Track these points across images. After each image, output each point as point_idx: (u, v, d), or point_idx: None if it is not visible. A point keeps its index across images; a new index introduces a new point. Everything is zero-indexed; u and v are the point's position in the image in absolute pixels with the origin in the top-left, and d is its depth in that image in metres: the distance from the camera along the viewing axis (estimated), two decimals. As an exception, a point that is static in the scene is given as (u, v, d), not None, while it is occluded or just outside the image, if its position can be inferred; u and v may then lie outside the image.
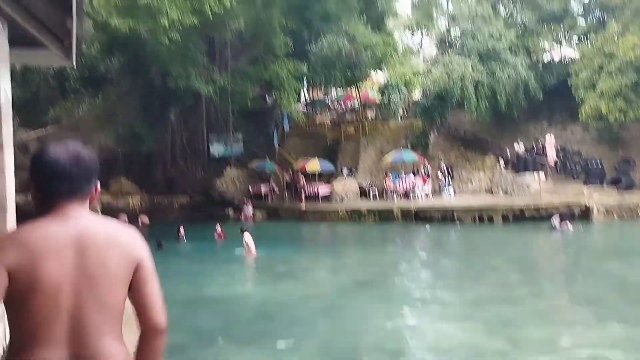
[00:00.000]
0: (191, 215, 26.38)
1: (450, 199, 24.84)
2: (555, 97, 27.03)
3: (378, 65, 30.33)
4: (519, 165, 25.61)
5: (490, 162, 27.27)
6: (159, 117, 28.10)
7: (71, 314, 1.72)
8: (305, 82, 32.81)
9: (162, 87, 26.69)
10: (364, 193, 26.67)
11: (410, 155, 26.28)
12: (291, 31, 27.83)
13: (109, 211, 24.00)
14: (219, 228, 19.05)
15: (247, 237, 15.75)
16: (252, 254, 15.48)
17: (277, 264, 14.90)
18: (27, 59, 7.14)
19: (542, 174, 23.91)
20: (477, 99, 25.98)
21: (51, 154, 1.82)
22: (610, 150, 26.08)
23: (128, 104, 28.65)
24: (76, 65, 6.94)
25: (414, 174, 26.21)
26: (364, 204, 25.08)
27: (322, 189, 26.41)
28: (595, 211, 21.17)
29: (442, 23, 32.54)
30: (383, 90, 30.09)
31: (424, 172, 26.39)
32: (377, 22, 31.52)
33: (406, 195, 25.27)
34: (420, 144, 28.25)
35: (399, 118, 31.29)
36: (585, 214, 21.06)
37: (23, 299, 1.69)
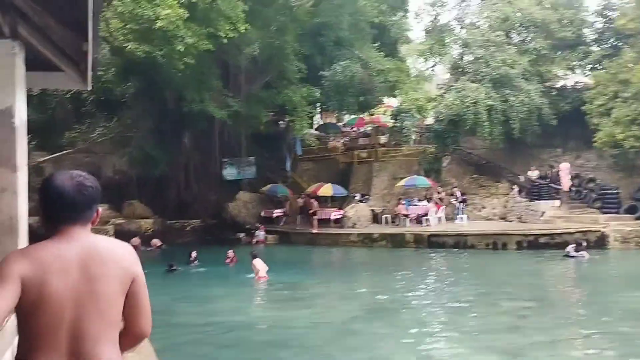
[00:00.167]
0: (203, 238, 26.37)
1: (463, 225, 24.63)
2: (570, 123, 26.88)
3: (391, 91, 30.46)
4: (533, 192, 25.41)
5: (503, 188, 27.08)
6: (173, 140, 28.31)
7: (73, 323, 1.94)
8: (318, 107, 33.03)
9: (177, 111, 26.94)
10: (376, 218, 26.54)
11: (423, 181, 26.20)
12: (305, 56, 28.08)
13: (121, 234, 24.09)
14: (231, 253, 18.98)
15: (257, 263, 15.68)
16: (261, 279, 15.40)
17: (288, 289, 14.79)
18: (43, 83, 7.24)
19: (556, 201, 23.69)
20: (491, 125, 25.91)
21: (57, 183, 2.04)
22: (626, 177, 25.76)
23: (142, 127, 28.91)
24: (92, 89, 7.01)
25: (427, 200, 26.09)
26: (376, 229, 24.95)
27: (334, 214, 26.34)
28: (611, 239, 20.89)
29: (455, 49, 32.66)
30: (396, 115, 30.15)
31: (437, 198, 26.26)
32: (390, 48, 31.78)
33: (419, 220, 25.13)
34: (433, 170, 28.15)
35: (412, 143, 31.27)
36: (601, 242, 20.79)
37: (31, 308, 1.91)
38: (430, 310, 12.19)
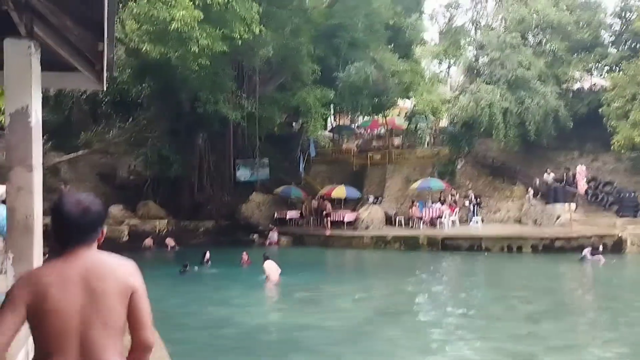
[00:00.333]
0: (216, 239, 26.42)
1: (477, 228, 24.45)
2: (586, 126, 26.61)
3: (405, 92, 30.33)
4: (549, 195, 25.17)
5: (519, 191, 26.86)
6: (187, 141, 28.41)
7: (80, 333, 2.17)
8: (332, 109, 32.96)
9: (191, 112, 27.02)
10: (389, 220, 26.44)
11: (437, 183, 26.06)
12: (319, 58, 28.04)
13: (135, 234, 24.23)
14: (245, 256, 18.96)
15: (269, 265, 15.66)
16: (273, 280, 15.38)
17: (302, 291, 14.75)
18: (59, 83, 7.28)
19: (572, 204, 23.43)
20: (506, 127, 25.71)
21: (65, 208, 2.27)
22: (644, 180, 25.49)
23: (157, 128, 29.04)
24: (108, 90, 7.04)
25: (441, 202, 25.94)
26: (390, 232, 24.84)
27: (348, 216, 26.28)
28: (628, 243, 20.62)
29: (470, 51, 32.49)
30: (410, 117, 30.03)
31: (451, 201, 26.11)
32: (405, 50, 31.62)
33: (432, 223, 24.99)
34: (447, 172, 27.99)
35: (426, 145, 31.13)
36: (617, 246, 20.53)
37: (40, 322, 2.17)
38: (445, 314, 12.08)
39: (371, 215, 25.95)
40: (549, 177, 25.96)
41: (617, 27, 29.23)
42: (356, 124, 40.65)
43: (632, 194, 24.21)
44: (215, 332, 10.54)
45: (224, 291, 14.85)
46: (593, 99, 27.36)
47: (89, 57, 5.26)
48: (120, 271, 2.28)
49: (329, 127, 38.59)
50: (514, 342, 9.49)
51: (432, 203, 26.08)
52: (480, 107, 25.54)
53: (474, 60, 30.60)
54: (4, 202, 5.94)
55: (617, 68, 27.36)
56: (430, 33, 53.59)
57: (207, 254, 18.96)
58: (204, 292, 14.73)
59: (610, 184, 25.44)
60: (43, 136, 5.23)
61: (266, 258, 16.10)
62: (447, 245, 22.35)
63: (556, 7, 28.81)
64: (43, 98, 5.20)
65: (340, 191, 26.81)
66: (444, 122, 31.79)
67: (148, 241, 23.88)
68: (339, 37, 28.46)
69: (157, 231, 25.42)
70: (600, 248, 18.93)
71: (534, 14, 29.00)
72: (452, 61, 35.37)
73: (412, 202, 26.27)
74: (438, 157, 29.15)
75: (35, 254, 4.46)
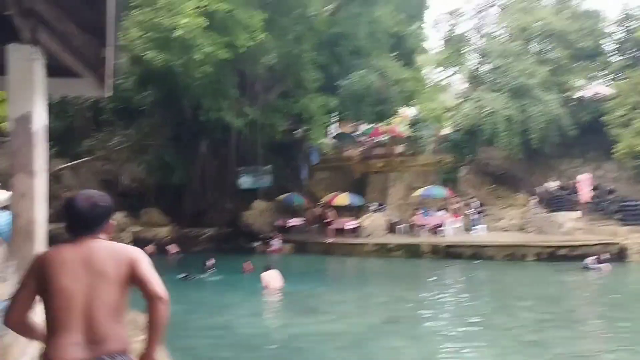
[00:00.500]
0: (218, 246, 26.39)
1: (480, 236, 24.36)
2: (589, 134, 26.57)
3: (408, 100, 30.34)
4: (552, 203, 25.09)
5: (522, 199, 26.80)
6: (190, 148, 28.45)
7: (83, 309, 2.49)
8: (334, 116, 32.96)
9: (194, 120, 27.07)
10: (392, 228, 26.37)
11: (440, 191, 26.02)
12: (322, 66, 28.08)
13: (138, 242, 24.17)
14: (248, 265, 18.89)
15: (269, 274, 15.57)
16: (272, 289, 15.30)
17: (304, 299, 14.68)
18: (63, 89, 7.28)
19: (576, 212, 23.35)
20: (509, 135, 25.67)
21: (75, 202, 2.66)
22: (647, 189, 25.40)
23: (160, 135, 29.10)
24: (111, 97, 7.02)
25: (444, 210, 25.88)
26: (392, 239, 24.77)
27: (350, 224, 26.22)
28: (632, 252, 20.52)
29: (472, 59, 32.51)
30: (412, 125, 30.03)
31: (454, 208, 26.03)
32: (407, 58, 31.65)
33: (435, 231, 24.92)
34: (450, 180, 27.95)
35: (429, 153, 31.11)
36: (621, 255, 20.43)
37: (48, 298, 2.52)
38: (449, 323, 12.01)
39: (374, 222, 25.90)
40: (552, 184, 25.90)
41: (619, 36, 29.23)
42: (359, 132, 40.63)
43: (635, 202, 24.11)
44: (217, 340, 10.48)
45: (226, 298, 14.80)
46: (596, 107, 27.32)
47: (93, 63, 5.26)
48: (120, 251, 2.63)
49: (331, 134, 38.58)
50: (520, 351, 9.41)
51: (435, 211, 26.01)
52: (483, 115, 25.53)
53: (476, 68, 30.62)
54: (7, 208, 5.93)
55: (620, 76, 27.33)
56: (433, 41, 53.73)
57: (209, 261, 18.90)
58: (207, 299, 14.68)
59: (613, 192, 25.33)
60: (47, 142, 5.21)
61: (267, 268, 16.00)
62: (450, 253, 22.27)
63: (558, 16, 28.85)
64: (47, 104, 5.19)
65: (343, 199, 26.78)
66: (446, 130, 31.77)
67: (149, 248, 23.81)
68: (342, 45, 28.51)
69: (159, 238, 25.40)
70: (604, 256, 18.83)
71: (537, 23, 29.02)
72: (454, 69, 35.38)
73: (415, 209, 26.21)
74: (441, 165, 29.11)
75: (37, 260, 4.44)
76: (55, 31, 4.66)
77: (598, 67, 28.44)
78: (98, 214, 2.65)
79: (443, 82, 37.28)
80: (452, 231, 24.89)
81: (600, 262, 18.25)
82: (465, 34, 35.41)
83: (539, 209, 25.50)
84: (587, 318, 12.73)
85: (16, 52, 4.48)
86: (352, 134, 39.35)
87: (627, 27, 28.68)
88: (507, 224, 26.50)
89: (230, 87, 26.28)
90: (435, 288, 16.55)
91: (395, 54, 30.92)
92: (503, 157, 28.69)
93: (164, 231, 26.20)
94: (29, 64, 4.45)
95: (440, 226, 24.85)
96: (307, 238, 26.78)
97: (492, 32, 33.44)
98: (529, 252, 21.20)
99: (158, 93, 27.98)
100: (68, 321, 2.47)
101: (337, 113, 31.72)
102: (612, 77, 28.74)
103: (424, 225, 25.22)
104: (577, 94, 29.33)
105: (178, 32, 20.37)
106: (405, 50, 31.85)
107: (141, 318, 2.72)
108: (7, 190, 5.75)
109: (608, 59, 28.56)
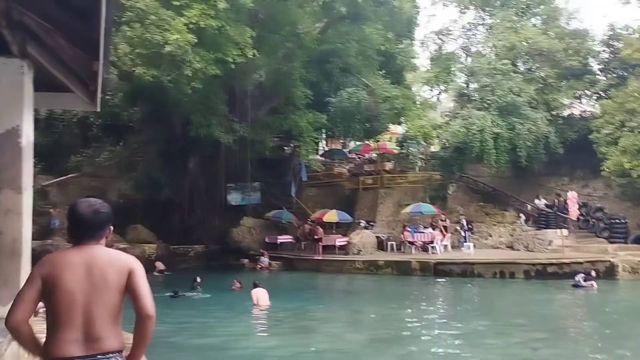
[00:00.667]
0: (207, 264, 26.13)
1: (469, 253, 24.36)
2: (576, 152, 26.78)
3: (397, 118, 30.46)
4: (541, 220, 25.20)
5: (510, 216, 26.89)
6: (179, 165, 28.26)
7: (83, 309, 2.69)
8: (324, 133, 33.01)
9: (183, 136, 26.93)
10: (381, 245, 26.30)
11: (428, 208, 26.04)
12: (311, 83, 28.15)
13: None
14: (237, 283, 18.74)
15: (257, 292, 15.44)
16: (261, 307, 15.15)
17: (293, 317, 14.53)
18: (52, 103, 7.19)
19: (564, 230, 23.46)
20: (497, 153, 25.79)
21: (78, 209, 2.84)
22: (634, 207, 25.58)
23: (149, 152, 28.91)
24: (99, 113, 6.93)
25: (433, 227, 25.87)
26: (382, 256, 24.69)
27: (339, 240, 26.12)
28: (620, 269, 20.61)
29: (460, 77, 32.79)
30: (402, 142, 30.11)
31: (442, 226, 26.04)
32: (396, 76, 31.88)
33: (424, 248, 24.88)
34: (438, 197, 27.97)
35: (418, 170, 31.18)
36: (610, 272, 20.51)
37: (51, 297, 2.70)
38: (440, 341, 11.90)
39: (363, 239, 25.81)
40: (541, 202, 26.03)
41: (605, 55, 29.61)
42: (348, 149, 40.72)
43: (623, 220, 24.28)
44: (206, 357, 10.30)
45: (214, 316, 14.60)
46: (583, 125, 27.58)
47: (83, 77, 5.18)
48: (120, 260, 2.82)
49: (321, 151, 38.62)
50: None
51: (424, 228, 26.00)
52: (472, 133, 25.63)
53: (465, 86, 30.85)
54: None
55: (606, 95, 27.63)
56: (422, 59, 54.18)
57: (198, 279, 18.70)
58: (195, 318, 14.46)
59: (601, 209, 25.52)
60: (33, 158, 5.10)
61: (256, 285, 15.87)
62: (440, 270, 22.22)
63: (546, 35, 29.19)
64: (33, 120, 5.09)
65: (332, 216, 26.68)
66: (435, 147, 31.88)
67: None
68: (332, 63, 28.65)
69: (146, 256, 25.09)
70: (593, 274, 18.88)
71: (524, 42, 29.35)
72: (443, 87, 35.64)
73: (404, 226, 26.17)
74: (430, 182, 29.16)
75: (22, 279, 4.32)
76: (45, 45, 4.59)
77: (585, 86, 28.71)
78: (100, 220, 2.83)
79: (432, 100, 37.52)
80: (442, 248, 24.87)
81: (587, 279, 18.29)
82: (454, 52, 35.76)
83: (528, 227, 25.60)
84: (579, 336, 12.68)
85: (4, 66, 4.40)
86: (342, 151, 39.44)
87: (612, 46, 29.08)
88: (495, 241, 26.55)
89: (219, 103, 26.23)
90: (424, 306, 16.46)
91: (384, 71, 31.14)
92: (491, 175, 28.83)
93: (150, 248, 25.88)
94: (17, 77, 4.37)
95: (430, 243, 24.82)
96: (296, 255, 26.63)
97: (480, 51, 33.77)
98: (518, 269, 21.20)
99: (147, 109, 27.84)
100: (68, 320, 2.67)
101: (326, 130, 31.78)
102: (598, 96, 29.04)
103: (413, 243, 25.18)
104: (565, 113, 29.61)
105: (168, 48, 20.32)
106: (394, 68, 32.10)
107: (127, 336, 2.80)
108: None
109: (595, 78, 28.87)
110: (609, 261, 20.85)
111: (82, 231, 2.81)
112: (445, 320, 14.41)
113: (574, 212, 24.42)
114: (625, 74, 27.37)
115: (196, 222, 29.09)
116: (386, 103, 28.59)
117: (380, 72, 30.90)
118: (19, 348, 2.90)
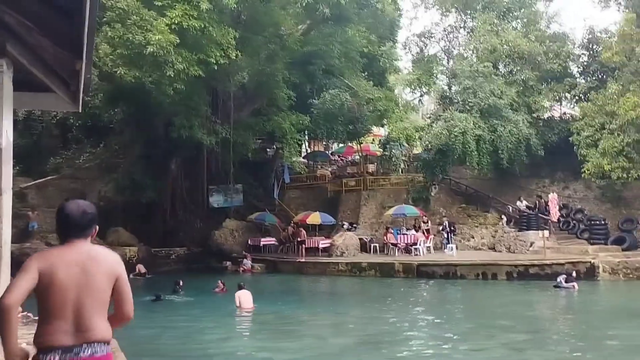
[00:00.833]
0: (189, 266, 25.91)
1: (452, 254, 24.46)
2: (557, 154, 27.05)
3: (380, 120, 30.52)
4: (522, 222, 25.39)
5: (492, 218, 27.05)
6: (161, 167, 27.98)
7: (75, 303, 2.88)
8: (306, 135, 32.94)
9: (165, 137, 26.68)
10: (364, 247, 26.30)
11: (411, 210, 26.09)
12: (294, 84, 28.09)
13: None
14: (221, 284, 18.62)
15: (241, 294, 15.32)
16: (245, 309, 15.04)
17: (277, 320, 14.44)
18: (32, 103, 7.03)
19: (545, 231, 23.65)
20: (479, 155, 25.92)
21: (67, 209, 3.01)
22: (613, 208, 25.93)
23: (130, 153, 28.59)
24: (79, 114, 6.80)
25: (416, 229, 25.93)
26: (365, 258, 24.69)
27: (322, 243, 26.07)
28: (600, 270, 20.83)
29: (442, 80, 32.92)
30: (384, 144, 30.16)
31: (425, 227, 26.10)
32: (379, 78, 31.96)
33: (407, 250, 24.92)
34: (421, 199, 28.04)
35: (400, 172, 31.23)
36: (590, 273, 20.72)
37: (45, 291, 2.86)
38: (424, 343, 11.90)
39: (346, 241, 25.79)
40: (522, 204, 26.23)
41: (585, 59, 29.94)
42: (331, 151, 40.72)
43: (603, 221, 24.56)
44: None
45: (197, 320, 14.43)
46: (563, 127, 27.85)
47: (64, 77, 5.06)
48: (110, 259, 3.04)
49: (304, 153, 38.56)
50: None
51: (407, 229, 26.06)
52: (454, 135, 25.73)
53: (447, 88, 30.98)
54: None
55: (586, 98, 27.94)
56: (404, 62, 54.31)
57: (180, 282, 18.53)
58: (178, 321, 14.30)
59: (581, 211, 25.79)
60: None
61: (240, 287, 15.75)
62: (422, 272, 22.28)
63: (526, 38, 29.43)
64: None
65: (315, 218, 26.62)
66: (418, 149, 31.97)
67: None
68: (315, 64, 28.62)
69: (127, 258, 24.77)
70: (574, 275, 19.06)
71: (505, 45, 29.56)
72: (425, 89, 35.76)
73: (387, 228, 26.20)
74: (412, 184, 29.22)
75: (2, 283, 4.19)
76: (25, 43, 4.47)
77: (565, 89, 29.00)
78: (87, 220, 3.01)
79: (414, 102, 37.64)
80: (425, 250, 24.93)
81: (568, 280, 18.46)
82: (435, 55, 35.91)
83: (509, 228, 25.78)
84: (562, 336, 12.75)
85: (-17, 65, 4.27)
86: (325, 153, 39.42)
87: (592, 50, 29.40)
88: (477, 242, 26.69)
89: (202, 104, 26.05)
90: (408, 308, 16.48)
91: (367, 73, 31.18)
92: (473, 177, 28.99)
93: (131, 251, 25.56)
94: (-4, 76, 4.25)
95: (413, 245, 24.86)
96: (279, 257, 26.52)
97: (462, 54, 33.95)
98: (500, 271, 21.33)
99: (128, 110, 27.55)
100: (60, 312, 2.85)
101: (309, 132, 31.73)
102: (578, 99, 29.35)
103: (396, 244, 25.21)
104: (545, 115, 29.88)
105: (150, 49, 20.10)
106: (377, 70, 32.17)
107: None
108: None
109: (575, 81, 29.17)
110: (590, 262, 21.06)
111: (71, 230, 2.98)
112: (429, 322, 14.43)
113: (554, 213, 24.64)
114: (605, 77, 27.70)
115: (178, 225, 28.85)
116: (369, 105, 28.64)
117: (363, 74, 30.94)
118: None
